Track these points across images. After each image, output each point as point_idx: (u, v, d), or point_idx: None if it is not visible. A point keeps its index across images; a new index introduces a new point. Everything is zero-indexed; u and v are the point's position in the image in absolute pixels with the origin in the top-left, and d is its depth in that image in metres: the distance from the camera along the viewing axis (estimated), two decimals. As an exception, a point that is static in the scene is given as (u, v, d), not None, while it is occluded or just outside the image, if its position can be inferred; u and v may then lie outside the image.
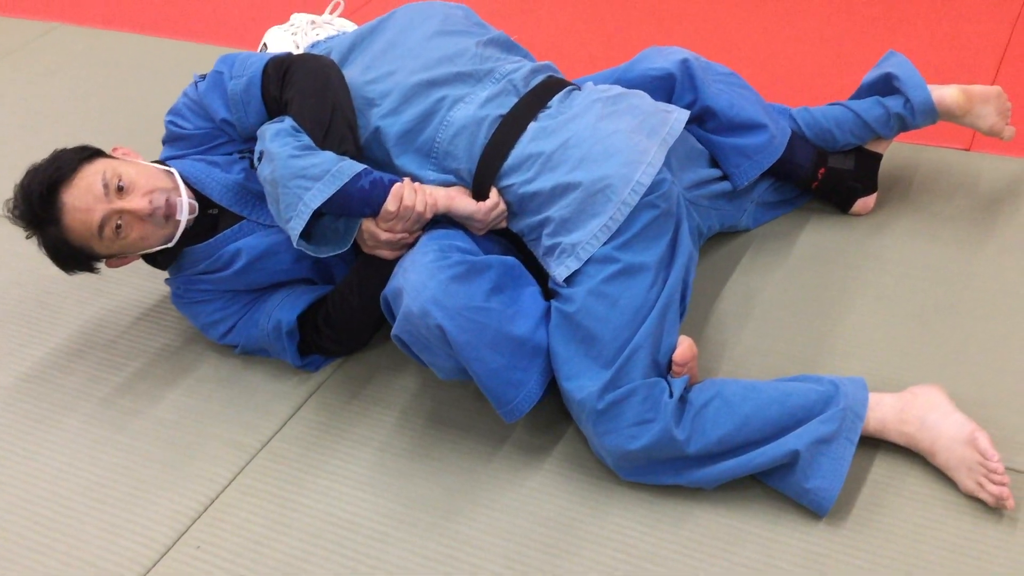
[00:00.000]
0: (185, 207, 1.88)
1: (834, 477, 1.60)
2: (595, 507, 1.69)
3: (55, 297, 2.29)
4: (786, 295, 2.03)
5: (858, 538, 1.59)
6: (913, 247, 2.10)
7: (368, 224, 1.77)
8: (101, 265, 1.96)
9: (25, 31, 3.51)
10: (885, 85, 2.10)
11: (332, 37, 2.09)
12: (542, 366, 1.72)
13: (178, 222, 1.89)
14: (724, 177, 2.07)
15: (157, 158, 2.01)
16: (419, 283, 1.67)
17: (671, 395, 1.66)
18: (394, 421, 1.90)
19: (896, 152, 2.29)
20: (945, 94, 2.06)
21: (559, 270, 1.73)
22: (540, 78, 1.87)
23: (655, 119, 1.80)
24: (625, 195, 1.70)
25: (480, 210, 1.79)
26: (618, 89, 1.87)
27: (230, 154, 1.99)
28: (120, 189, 1.84)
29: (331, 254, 1.78)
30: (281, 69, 1.87)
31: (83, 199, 1.82)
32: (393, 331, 1.74)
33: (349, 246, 1.78)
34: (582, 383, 1.67)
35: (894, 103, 2.07)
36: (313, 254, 1.77)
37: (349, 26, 2.66)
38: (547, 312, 1.74)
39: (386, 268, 1.80)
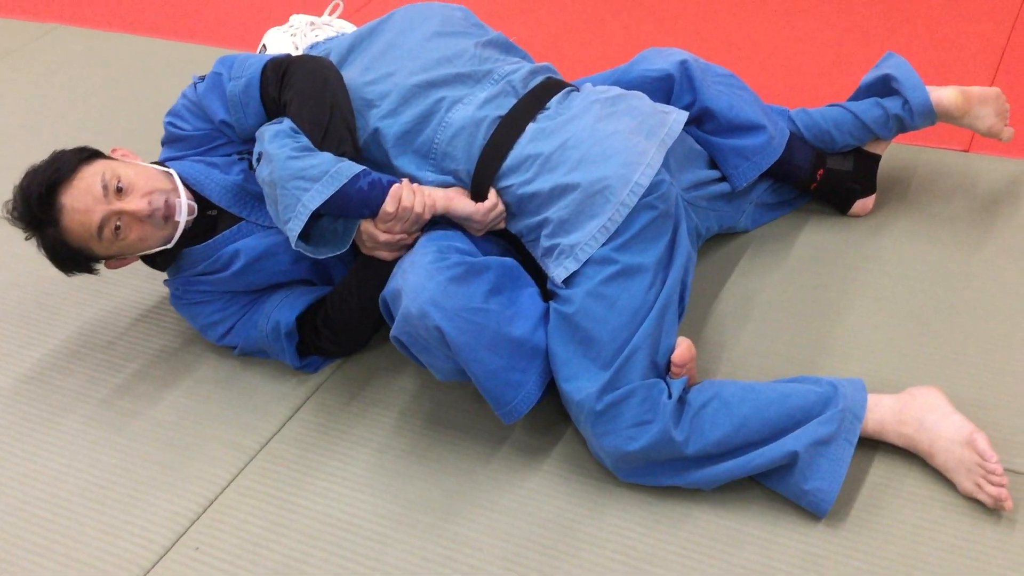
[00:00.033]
0: (184, 208, 1.88)
1: (833, 478, 1.60)
2: (594, 508, 1.69)
3: (54, 298, 2.29)
4: (785, 296, 2.03)
5: (857, 539, 1.59)
6: (912, 248, 2.10)
7: (367, 225, 1.78)
8: (100, 266, 1.96)
9: (25, 32, 3.51)
10: (883, 86, 2.10)
11: (331, 38, 2.09)
12: (541, 367, 1.72)
13: (177, 223, 1.89)
14: (723, 178, 2.07)
15: (156, 159, 2.01)
16: (418, 284, 1.67)
17: (670, 396, 1.66)
18: (393, 422, 1.90)
19: (895, 153, 2.28)
20: (943, 95, 2.06)
21: (558, 271, 1.73)
22: (539, 79, 1.87)
23: (654, 120, 1.80)
24: (624, 196, 1.70)
25: (479, 211, 1.79)
26: (617, 90, 1.87)
27: (229, 155, 1.99)
28: (119, 190, 1.84)
29: (330, 255, 1.78)
30: (280, 70, 1.87)
31: (82, 200, 1.82)
32: (392, 332, 1.74)
33: (348, 247, 1.78)
34: (581, 384, 1.67)
35: (893, 104, 2.07)
36: (312, 255, 1.77)
37: (348, 27, 2.66)
38: (546, 313, 1.74)
39: (385, 269, 1.80)
